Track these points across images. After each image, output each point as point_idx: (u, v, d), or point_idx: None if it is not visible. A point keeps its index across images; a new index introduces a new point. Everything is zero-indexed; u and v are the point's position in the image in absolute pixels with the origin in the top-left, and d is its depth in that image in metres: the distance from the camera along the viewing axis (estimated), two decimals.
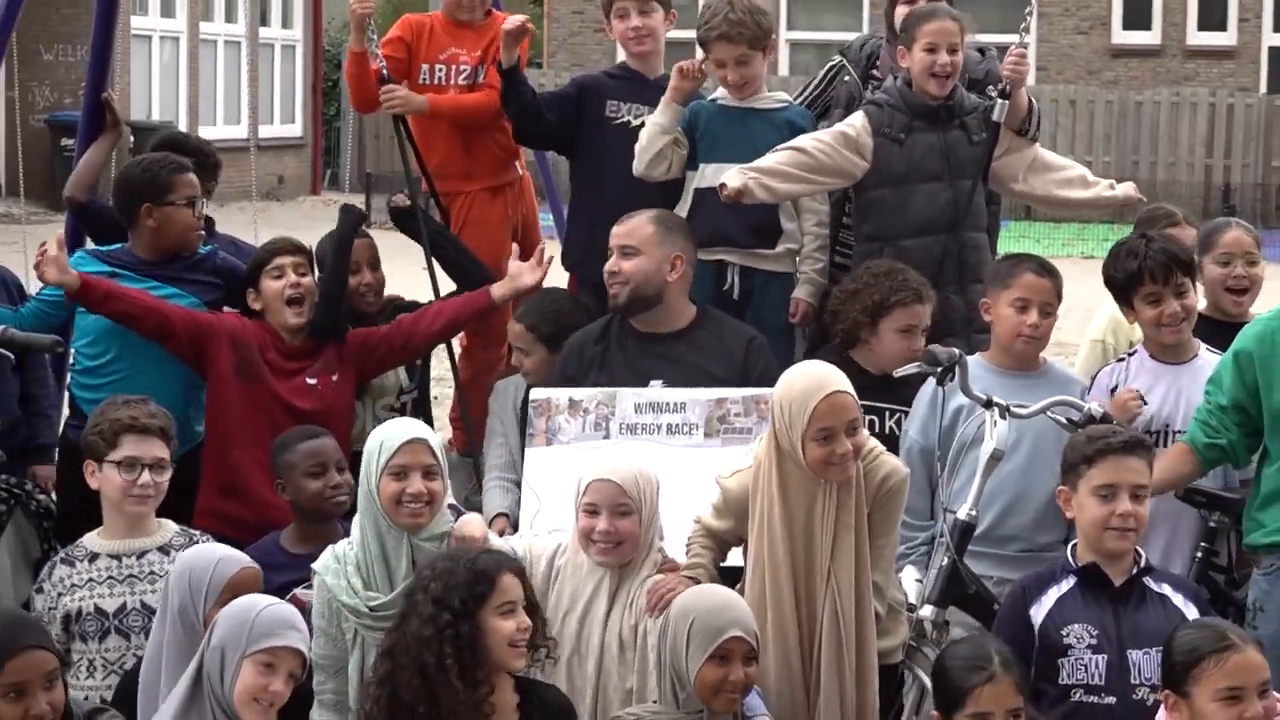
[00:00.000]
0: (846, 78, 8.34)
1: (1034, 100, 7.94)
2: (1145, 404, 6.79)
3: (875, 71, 8.31)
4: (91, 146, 8.60)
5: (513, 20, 7.89)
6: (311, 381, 7.33)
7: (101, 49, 8.88)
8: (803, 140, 7.64)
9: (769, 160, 7.50)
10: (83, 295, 7.11)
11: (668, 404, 6.97)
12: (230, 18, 36.37)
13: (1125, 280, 7.00)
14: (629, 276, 7.19)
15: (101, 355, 7.49)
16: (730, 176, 7.33)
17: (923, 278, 7.26)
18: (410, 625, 5.64)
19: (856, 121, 7.74)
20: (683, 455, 6.87)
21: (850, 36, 8.45)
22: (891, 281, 7.21)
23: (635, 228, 7.26)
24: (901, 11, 8.05)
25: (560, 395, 7.08)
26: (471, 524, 6.30)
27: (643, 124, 7.90)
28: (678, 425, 6.95)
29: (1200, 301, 7.21)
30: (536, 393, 7.16)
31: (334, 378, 7.38)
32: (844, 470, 6.02)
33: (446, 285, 8.17)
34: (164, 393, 7.05)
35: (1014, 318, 6.95)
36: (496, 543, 6.27)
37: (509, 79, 7.90)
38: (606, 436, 6.96)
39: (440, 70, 8.12)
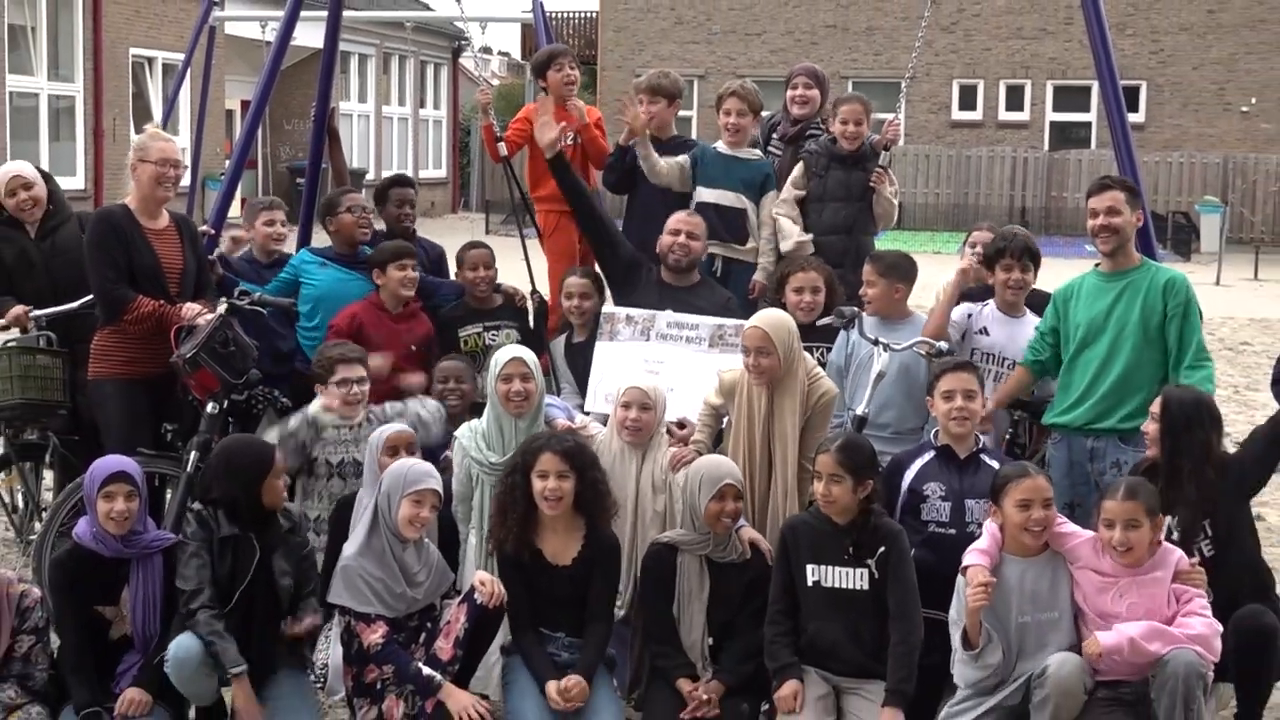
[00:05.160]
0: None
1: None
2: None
3: (776, 132, 8.24)
4: (333, 157, 8.81)
5: None
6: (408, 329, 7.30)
7: (320, 122, 8.82)
8: (781, 220, 7.61)
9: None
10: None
11: (688, 323, 6.97)
12: (401, 102, 36.74)
13: (993, 254, 6.91)
14: (696, 251, 7.21)
15: (312, 315, 7.43)
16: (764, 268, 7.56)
17: (813, 258, 7.16)
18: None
19: (797, 172, 7.70)
20: (693, 356, 6.88)
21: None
22: (787, 262, 7.17)
23: (699, 223, 7.26)
24: (788, 94, 8.17)
25: (621, 311, 7.09)
26: (560, 420, 6.38)
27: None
28: (692, 337, 6.95)
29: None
30: (608, 308, 7.18)
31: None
32: (762, 376, 6.02)
33: (540, 279, 8.04)
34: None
35: (866, 290, 6.85)
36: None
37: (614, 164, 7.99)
38: (648, 340, 6.97)
39: None
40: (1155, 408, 5.75)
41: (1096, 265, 6.45)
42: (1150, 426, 5.75)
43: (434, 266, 7.96)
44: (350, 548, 5.63)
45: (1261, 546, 5.86)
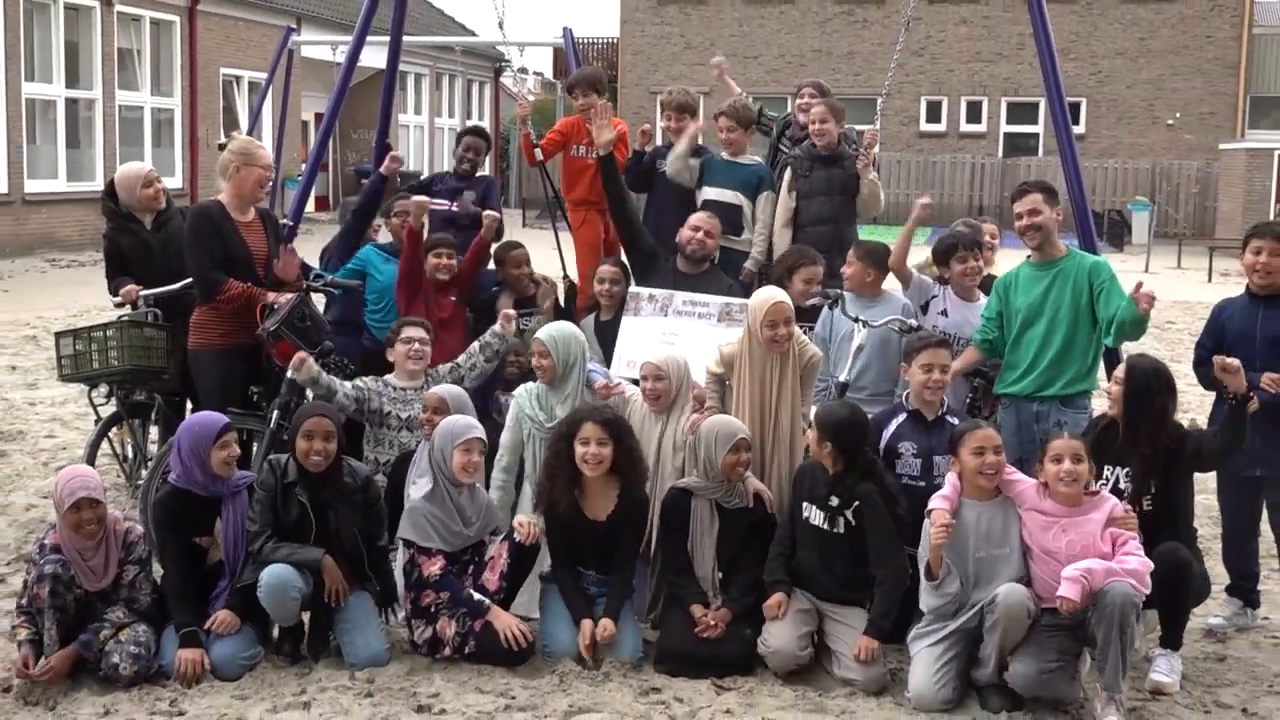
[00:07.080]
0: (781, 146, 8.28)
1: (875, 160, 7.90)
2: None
3: (788, 131, 8.22)
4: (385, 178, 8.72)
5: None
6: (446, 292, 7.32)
7: (383, 132, 8.77)
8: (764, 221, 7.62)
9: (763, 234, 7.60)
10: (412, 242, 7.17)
11: (700, 301, 6.91)
12: (450, 114, 36.68)
13: (947, 248, 6.88)
14: (710, 248, 7.18)
15: (378, 301, 7.41)
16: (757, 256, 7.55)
17: (818, 253, 7.07)
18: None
19: (786, 176, 7.65)
20: (704, 329, 6.83)
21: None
22: (800, 254, 7.06)
23: (717, 226, 7.22)
24: (796, 103, 8.17)
25: (644, 291, 7.03)
26: (599, 381, 6.30)
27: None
28: (704, 313, 6.90)
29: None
30: (633, 289, 7.09)
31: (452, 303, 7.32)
32: (781, 346, 5.95)
33: (570, 266, 7.99)
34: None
35: (845, 268, 6.82)
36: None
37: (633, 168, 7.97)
38: (666, 316, 6.92)
39: (582, 148, 8.05)
40: (1119, 372, 5.71)
41: (1029, 258, 6.42)
42: (1114, 389, 5.71)
43: (482, 197, 7.94)
44: (417, 493, 5.65)
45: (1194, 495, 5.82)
